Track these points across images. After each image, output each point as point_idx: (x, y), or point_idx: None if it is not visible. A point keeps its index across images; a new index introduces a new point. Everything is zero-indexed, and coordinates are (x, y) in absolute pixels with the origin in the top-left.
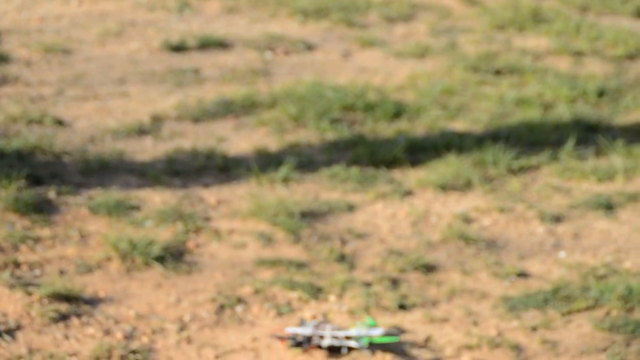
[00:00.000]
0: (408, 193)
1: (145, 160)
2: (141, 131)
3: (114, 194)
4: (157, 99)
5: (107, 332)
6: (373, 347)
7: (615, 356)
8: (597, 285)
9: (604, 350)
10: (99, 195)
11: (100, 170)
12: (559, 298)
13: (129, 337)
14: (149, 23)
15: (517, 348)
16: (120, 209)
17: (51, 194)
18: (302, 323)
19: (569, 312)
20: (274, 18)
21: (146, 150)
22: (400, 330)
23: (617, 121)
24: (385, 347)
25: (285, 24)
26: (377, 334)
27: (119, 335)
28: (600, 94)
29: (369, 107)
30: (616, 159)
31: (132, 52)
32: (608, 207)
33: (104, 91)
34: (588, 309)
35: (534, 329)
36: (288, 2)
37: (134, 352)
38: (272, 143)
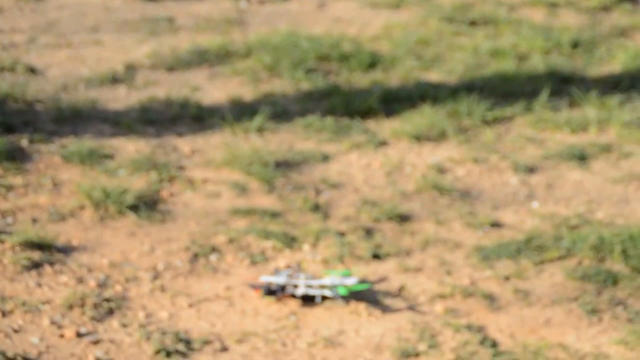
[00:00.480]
0: (382, 143)
1: (118, 109)
2: (115, 80)
3: (87, 142)
4: (130, 47)
5: (80, 281)
6: (347, 296)
7: (587, 305)
8: (569, 235)
9: (576, 299)
10: (72, 143)
11: (73, 119)
12: (531, 248)
13: (102, 285)
14: None
15: (489, 297)
16: (94, 158)
17: (24, 142)
18: (276, 272)
19: (542, 262)
20: None
21: (120, 99)
22: (374, 280)
23: (590, 72)
24: (359, 296)
25: None
26: (351, 283)
27: (92, 283)
28: (575, 45)
29: (344, 58)
30: (589, 110)
31: (106, 0)
32: (581, 157)
33: (77, 39)
34: (560, 258)
35: (507, 278)
36: None
37: (107, 300)
38: (247, 93)
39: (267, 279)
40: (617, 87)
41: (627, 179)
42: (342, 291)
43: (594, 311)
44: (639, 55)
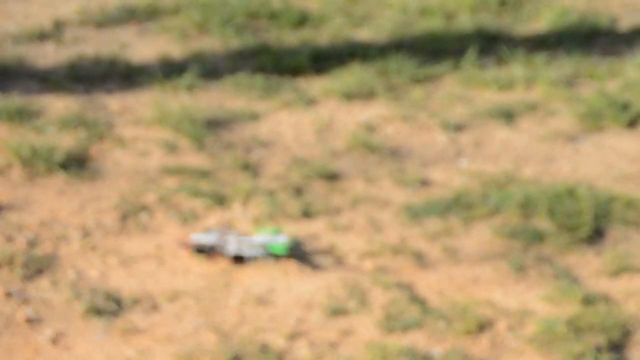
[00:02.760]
0: (312, 101)
1: (47, 65)
2: (43, 36)
3: (15, 99)
4: (58, 3)
5: (10, 239)
6: (277, 254)
7: (514, 262)
8: (496, 193)
9: (503, 256)
10: (0, 100)
11: (0, 75)
12: (459, 205)
13: (31, 244)
14: None
15: (418, 255)
16: (22, 115)
17: None
18: (206, 230)
19: (470, 220)
20: None
21: (48, 55)
22: (304, 238)
23: (518, 30)
24: (289, 255)
25: None
26: (281, 241)
27: (21, 242)
28: (502, 3)
29: (274, 15)
30: (516, 68)
31: None
32: (508, 116)
33: None
34: (488, 216)
35: (435, 236)
36: None
37: (36, 259)
38: (176, 50)
39: (197, 237)
40: (544, 45)
41: (553, 137)
42: (276, 250)
43: (520, 268)
44: (565, 13)
